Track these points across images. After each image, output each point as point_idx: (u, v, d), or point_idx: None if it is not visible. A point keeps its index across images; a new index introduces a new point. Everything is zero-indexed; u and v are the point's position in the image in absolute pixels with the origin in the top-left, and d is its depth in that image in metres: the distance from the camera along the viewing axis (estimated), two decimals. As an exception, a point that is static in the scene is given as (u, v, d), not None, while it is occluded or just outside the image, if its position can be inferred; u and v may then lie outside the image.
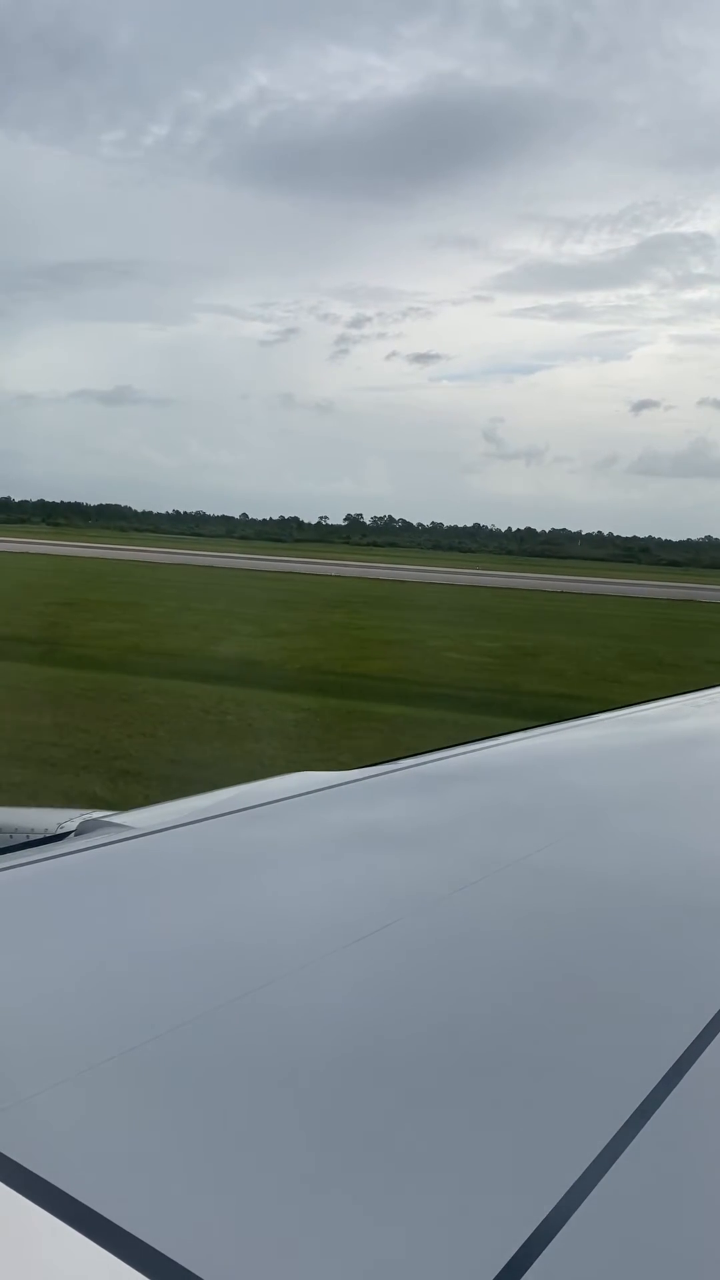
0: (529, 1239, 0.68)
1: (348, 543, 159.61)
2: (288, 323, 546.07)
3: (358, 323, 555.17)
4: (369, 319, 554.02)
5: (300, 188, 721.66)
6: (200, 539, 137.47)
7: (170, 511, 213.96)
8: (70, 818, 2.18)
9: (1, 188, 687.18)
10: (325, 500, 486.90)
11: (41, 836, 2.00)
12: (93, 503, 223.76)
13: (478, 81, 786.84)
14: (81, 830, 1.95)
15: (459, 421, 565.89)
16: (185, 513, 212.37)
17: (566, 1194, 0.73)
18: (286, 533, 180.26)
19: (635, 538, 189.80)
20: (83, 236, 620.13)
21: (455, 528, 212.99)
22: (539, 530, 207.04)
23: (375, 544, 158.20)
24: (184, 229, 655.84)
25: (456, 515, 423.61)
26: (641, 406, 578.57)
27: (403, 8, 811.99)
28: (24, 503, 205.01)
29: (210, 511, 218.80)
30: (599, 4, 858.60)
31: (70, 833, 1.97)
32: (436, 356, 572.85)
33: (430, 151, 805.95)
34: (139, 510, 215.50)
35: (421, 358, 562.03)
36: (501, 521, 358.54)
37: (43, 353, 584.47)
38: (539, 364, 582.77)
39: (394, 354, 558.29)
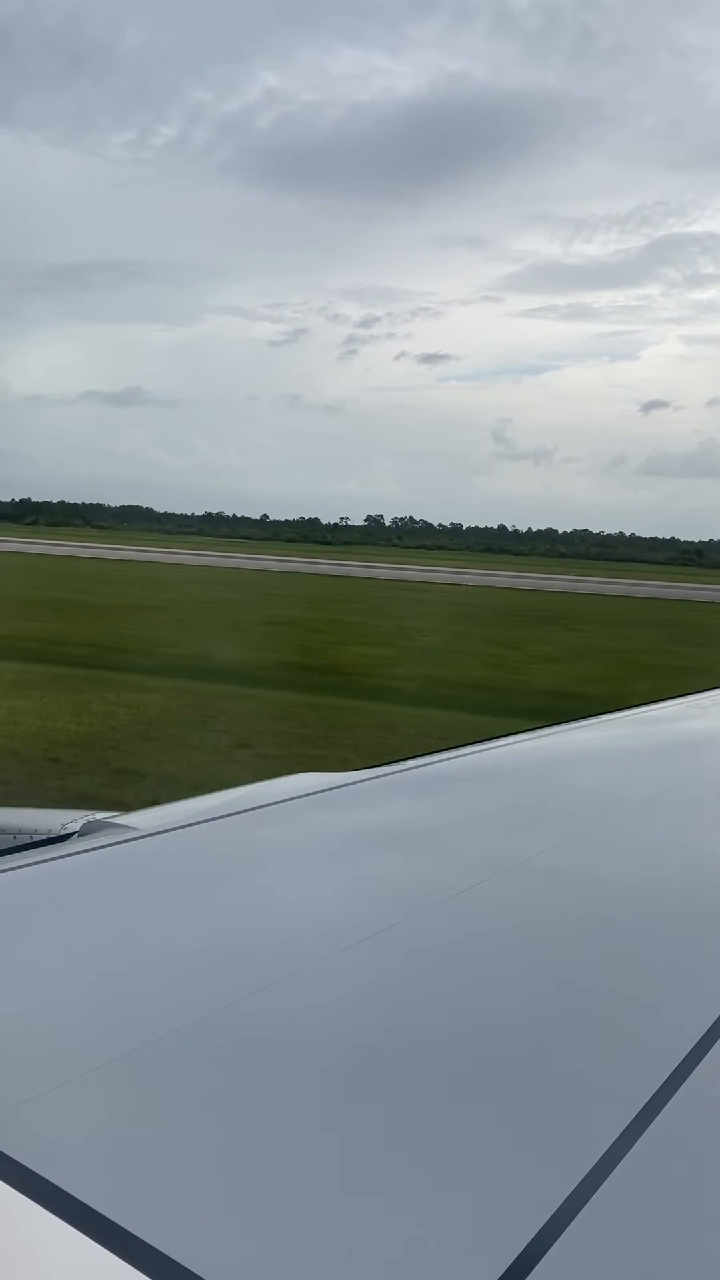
0: (532, 1241, 0.68)
1: (392, 545, 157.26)
2: (297, 323, 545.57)
3: (366, 323, 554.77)
4: (378, 319, 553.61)
5: (309, 188, 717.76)
6: (251, 542, 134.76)
7: (202, 513, 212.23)
8: (73, 819, 2.11)
9: (11, 189, 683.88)
10: (338, 500, 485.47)
11: (45, 837, 1.99)
12: (113, 504, 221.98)
13: (486, 82, 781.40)
14: (85, 831, 1.93)
15: (468, 422, 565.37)
16: (213, 514, 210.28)
17: (569, 1197, 0.73)
18: (316, 534, 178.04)
19: (692, 540, 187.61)
20: (91, 238, 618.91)
21: (477, 528, 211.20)
22: (560, 531, 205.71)
23: (424, 546, 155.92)
24: (192, 230, 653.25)
25: (472, 515, 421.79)
26: (650, 407, 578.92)
27: (411, 8, 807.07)
28: (46, 504, 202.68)
29: (228, 512, 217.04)
30: (608, 4, 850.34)
31: (73, 834, 1.95)
32: (445, 357, 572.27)
33: (439, 152, 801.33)
34: (160, 511, 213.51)
35: (430, 358, 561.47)
36: (521, 522, 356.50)
37: (51, 353, 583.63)
38: (547, 364, 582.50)
39: (403, 354, 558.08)
